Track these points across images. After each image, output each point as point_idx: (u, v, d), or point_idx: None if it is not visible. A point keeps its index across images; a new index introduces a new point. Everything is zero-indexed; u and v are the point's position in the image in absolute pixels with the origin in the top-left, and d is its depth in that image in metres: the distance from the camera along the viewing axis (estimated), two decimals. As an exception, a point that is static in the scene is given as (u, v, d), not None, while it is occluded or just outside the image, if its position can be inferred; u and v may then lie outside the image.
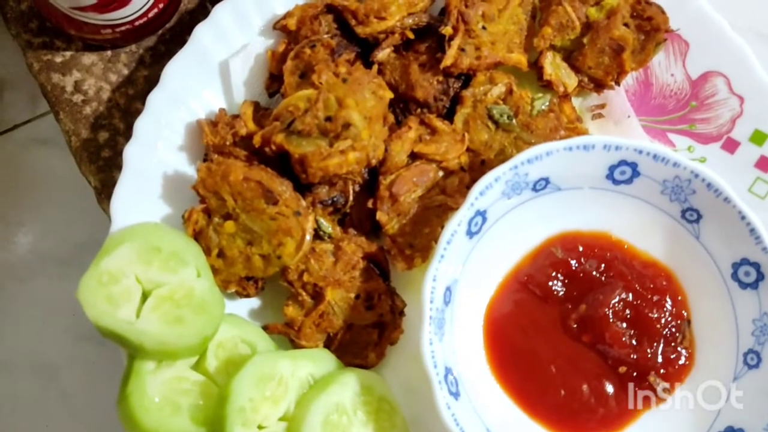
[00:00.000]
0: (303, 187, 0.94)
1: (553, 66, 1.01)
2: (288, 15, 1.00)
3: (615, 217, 0.96)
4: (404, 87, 0.99)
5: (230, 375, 0.87)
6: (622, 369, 0.93)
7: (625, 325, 0.93)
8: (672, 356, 0.94)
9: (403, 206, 0.95)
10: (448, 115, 1.00)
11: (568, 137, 0.96)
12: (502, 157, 0.97)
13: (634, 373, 0.93)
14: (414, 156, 0.97)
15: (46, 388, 1.55)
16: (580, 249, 0.96)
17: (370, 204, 0.96)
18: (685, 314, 0.95)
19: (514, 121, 0.98)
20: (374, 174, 0.97)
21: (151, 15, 1.04)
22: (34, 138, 1.59)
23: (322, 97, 0.91)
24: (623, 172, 0.93)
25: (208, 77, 1.00)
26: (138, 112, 0.98)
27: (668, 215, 0.94)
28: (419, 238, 0.95)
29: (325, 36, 0.98)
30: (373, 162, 0.94)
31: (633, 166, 0.92)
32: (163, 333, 0.86)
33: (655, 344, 0.93)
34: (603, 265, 0.95)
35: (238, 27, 1.00)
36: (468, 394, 0.90)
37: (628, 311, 0.93)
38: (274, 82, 1.00)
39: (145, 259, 0.90)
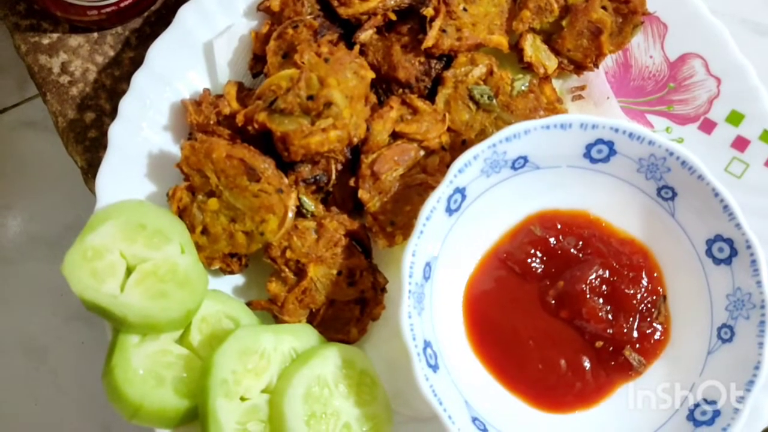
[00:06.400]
0: (286, 166, 0.96)
1: (533, 48, 1.03)
2: (271, -4, 1.01)
3: (593, 196, 0.97)
4: (386, 68, 1.00)
5: (214, 349, 0.88)
6: (599, 344, 0.94)
7: (601, 300, 0.95)
8: (648, 331, 0.95)
9: (385, 184, 0.97)
10: (430, 96, 1.01)
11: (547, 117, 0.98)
12: (482, 137, 0.98)
13: (610, 348, 0.94)
14: (395, 135, 0.98)
15: (35, 368, 1.57)
16: (559, 227, 0.98)
17: (352, 182, 0.97)
18: (661, 290, 0.96)
19: (494, 101, 1.00)
20: (356, 153, 0.98)
21: (136, -4, 1.05)
22: (23, 121, 1.60)
23: (304, 76, 0.92)
24: (600, 151, 0.94)
25: (192, 58, 1.01)
26: (124, 93, 1.00)
27: (644, 193, 0.96)
28: (400, 216, 0.97)
29: (308, 17, 0.99)
30: (355, 141, 0.95)
31: (609, 144, 0.93)
32: (146, 306, 0.88)
33: (631, 320, 0.95)
34: (581, 243, 0.97)
35: (222, 8, 1.01)
36: (447, 367, 0.91)
37: (604, 287, 0.95)
38: (257, 63, 1.01)
39: (129, 235, 0.91)
